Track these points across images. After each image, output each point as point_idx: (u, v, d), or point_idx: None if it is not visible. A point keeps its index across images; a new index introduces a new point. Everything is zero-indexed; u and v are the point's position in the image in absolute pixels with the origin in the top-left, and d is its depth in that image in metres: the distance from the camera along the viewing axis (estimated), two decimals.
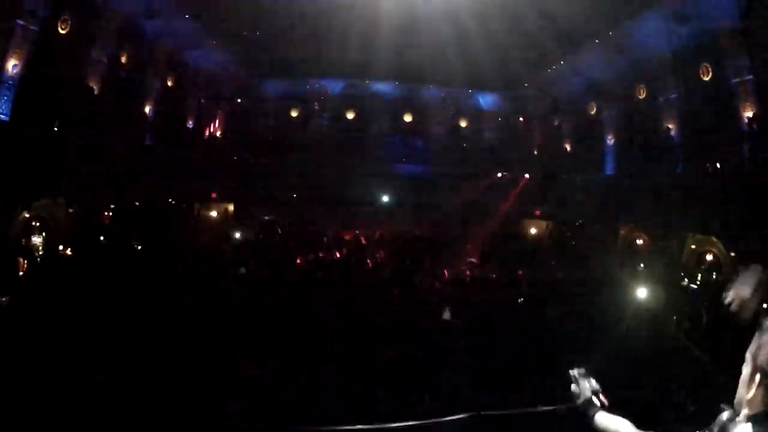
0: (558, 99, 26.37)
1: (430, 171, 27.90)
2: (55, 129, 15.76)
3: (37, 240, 15.75)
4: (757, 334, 1.76)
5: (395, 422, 4.95)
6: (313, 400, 5.73)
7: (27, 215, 15.35)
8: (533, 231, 25.62)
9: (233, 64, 25.47)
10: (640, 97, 20.44)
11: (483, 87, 28.98)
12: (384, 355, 7.19)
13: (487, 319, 10.06)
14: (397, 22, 18.92)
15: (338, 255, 19.79)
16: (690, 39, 16.98)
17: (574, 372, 2.57)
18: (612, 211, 20.20)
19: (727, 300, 2.71)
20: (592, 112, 23.93)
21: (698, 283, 15.48)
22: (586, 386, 2.48)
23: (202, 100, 25.95)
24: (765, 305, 2.49)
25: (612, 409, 2.38)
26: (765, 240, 11.79)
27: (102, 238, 17.29)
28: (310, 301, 10.99)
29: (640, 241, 19.91)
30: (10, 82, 14.40)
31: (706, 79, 16.92)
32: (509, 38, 19.55)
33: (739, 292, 2.69)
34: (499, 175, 27.06)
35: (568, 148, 26.04)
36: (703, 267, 16.44)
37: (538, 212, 25.38)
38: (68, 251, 15.71)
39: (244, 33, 21.78)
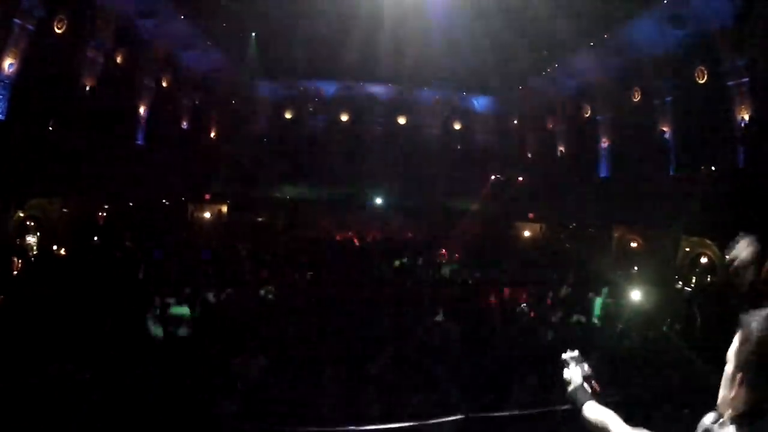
0: (552, 101, 26.37)
1: (423, 173, 27.95)
2: (50, 128, 15.73)
3: (31, 239, 15.73)
4: (738, 332, 1.73)
5: (385, 424, 4.92)
6: (304, 401, 5.72)
7: (21, 214, 15.31)
8: (527, 234, 25.66)
9: (227, 66, 25.42)
10: (635, 100, 20.46)
11: (477, 89, 29.06)
12: (378, 356, 7.19)
13: (480, 321, 10.06)
14: (391, 25, 18.98)
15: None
16: (685, 41, 17.03)
17: (567, 355, 2.47)
18: (606, 213, 20.21)
19: (728, 258, 2.74)
20: (587, 115, 23.90)
21: (692, 285, 15.50)
22: (578, 371, 2.39)
23: (197, 101, 25.90)
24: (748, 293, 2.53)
25: (602, 400, 2.28)
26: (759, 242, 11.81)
27: (96, 238, 17.26)
28: (303, 303, 11.02)
29: (634, 244, 19.95)
30: (6, 81, 14.36)
31: (701, 81, 16.98)
32: (503, 41, 19.60)
33: (740, 254, 2.72)
34: (493, 177, 27.09)
35: (562, 151, 26.07)
36: (697, 269, 16.50)
37: (531, 215, 25.40)
38: (62, 251, 15.67)
39: (240, 34, 21.81)
